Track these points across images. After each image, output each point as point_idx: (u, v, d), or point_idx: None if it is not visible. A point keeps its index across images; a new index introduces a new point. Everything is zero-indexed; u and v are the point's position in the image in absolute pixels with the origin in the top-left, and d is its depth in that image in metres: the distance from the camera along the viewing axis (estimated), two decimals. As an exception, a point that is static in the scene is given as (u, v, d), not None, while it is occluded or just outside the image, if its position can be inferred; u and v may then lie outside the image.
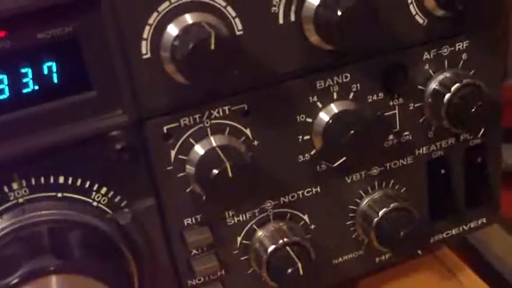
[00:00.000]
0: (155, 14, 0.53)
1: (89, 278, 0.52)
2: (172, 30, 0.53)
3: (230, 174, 0.54)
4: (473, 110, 0.60)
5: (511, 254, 1.05)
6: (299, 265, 0.60)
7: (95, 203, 0.57)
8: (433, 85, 0.63)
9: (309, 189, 0.63)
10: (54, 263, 0.51)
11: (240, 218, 0.62)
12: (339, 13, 0.53)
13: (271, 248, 0.61)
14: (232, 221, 0.62)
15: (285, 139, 0.60)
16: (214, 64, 0.51)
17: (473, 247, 1.07)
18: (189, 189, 0.59)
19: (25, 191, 0.55)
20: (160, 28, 0.53)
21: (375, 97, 0.62)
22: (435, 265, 0.75)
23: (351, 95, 0.61)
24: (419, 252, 0.64)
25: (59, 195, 0.56)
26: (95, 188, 0.57)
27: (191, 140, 0.57)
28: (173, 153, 0.57)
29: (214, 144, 0.57)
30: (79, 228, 0.55)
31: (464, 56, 0.64)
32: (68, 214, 0.55)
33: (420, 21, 0.60)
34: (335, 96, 0.60)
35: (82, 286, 0.52)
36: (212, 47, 0.50)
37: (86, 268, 0.52)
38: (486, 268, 1.06)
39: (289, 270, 0.60)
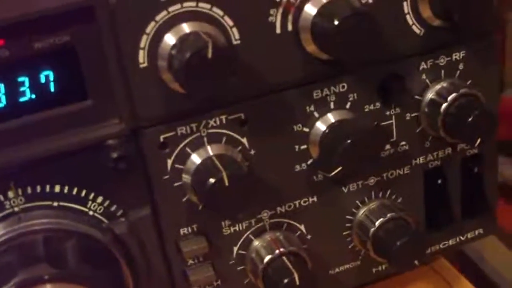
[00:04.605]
0: (152, 23, 0.53)
1: (84, 288, 0.52)
2: (170, 39, 0.53)
3: (226, 183, 0.54)
4: (469, 119, 0.60)
5: (511, 270, 1.05)
6: (296, 275, 0.59)
7: (91, 212, 0.57)
8: (430, 95, 0.63)
9: (306, 199, 0.63)
10: (49, 272, 0.51)
11: (237, 228, 0.62)
12: (336, 23, 0.53)
13: (267, 258, 0.61)
14: (229, 231, 0.62)
15: (282, 149, 0.60)
16: (211, 73, 0.51)
17: (471, 260, 1.07)
18: (185, 199, 0.59)
19: (21, 200, 0.55)
20: (158, 37, 0.53)
21: (372, 107, 0.62)
22: (432, 276, 0.74)
23: (348, 104, 0.61)
24: (416, 263, 0.64)
25: (55, 204, 0.56)
26: (91, 197, 0.56)
27: (188, 149, 0.57)
28: (169, 162, 0.57)
29: (211, 153, 0.57)
30: (75, 237, 0.55)
31: (461, 66, 0.63)
32: (63, 223, 0.55)
33: (417, 31, 0.60)
34: (332, 106, 0.60)
35: (77, 296, 0.52)
36: (209, 56, 0.50)
37: (81, 277, 0.52)
38: (484, 281, 1.06)
39: (285, 281, 0.59)
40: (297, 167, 0.62)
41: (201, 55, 0.50)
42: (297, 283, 0.59)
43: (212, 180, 0.55)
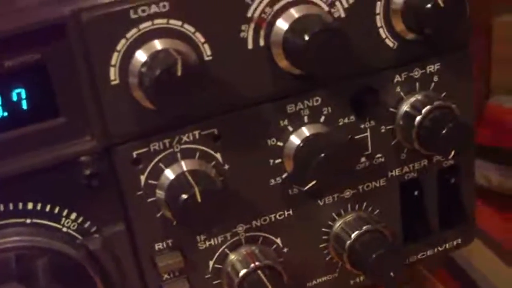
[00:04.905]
0: (123, 40, 0.53)
1: (57, 306, 0.52)
2: (141, 56, 0.53)
3: (198, 199, 0.54)
4: (443, 132, 0.60)
5: (498, 276, 1.05)
6: (271, 289, 0.60)
7: (64, 229, 0.57)
8: (405, 107, 0.63)
9: (281, 213, 0.63)
10: (21, 291, 0.51)
11: (212, 242, 0.62)
12: (306, 38, 0.53)
13: (242, 272, 0.61)
14: (204, 245, 0.62)
15: (256, 163, 0.60)
16: (181, 90, 0.51)
17: (460, 267, 1.07)
18: (159, 214, 0.59)
19: (-7, 218, 0.55)
20: (129, 54, 0.53)
21: (346, 120, 0.62)
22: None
23: (322, 118, 0.61)
24: (392, 274, 0.64)
25: (28, 221, 0.56)
26: (64, 213, 0.56)
27: (161, 165, 0.57)
28: (142, 178, 0.57)
29: (185, 169, 0.57)
30: (48, 255, 0.55)
31: (435, 78, 0.64)
32: (37, 240, 0.55)
33: (391, 44, 0.61)
34: (306, 120, 0.60)
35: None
36: (179, 73, 0.50)
37: (54, 296, 0.52)
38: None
39: (261, 294, 0.60)
40: (272, 181, 0.62)
41: (171, 72, 0.50)
42: (272, 297, 0.60)
43: (184, 196, 0.55)
